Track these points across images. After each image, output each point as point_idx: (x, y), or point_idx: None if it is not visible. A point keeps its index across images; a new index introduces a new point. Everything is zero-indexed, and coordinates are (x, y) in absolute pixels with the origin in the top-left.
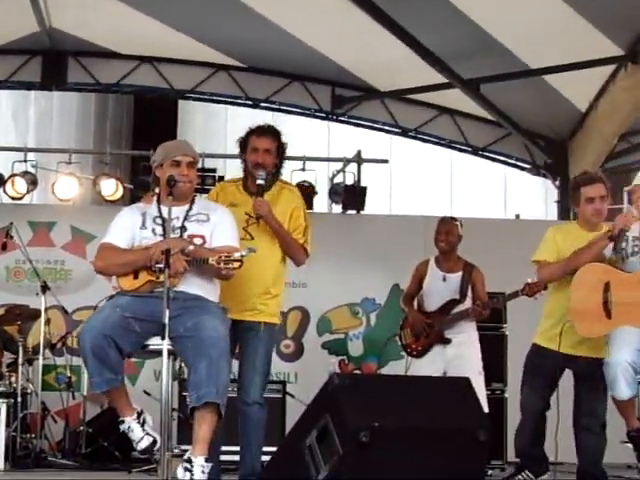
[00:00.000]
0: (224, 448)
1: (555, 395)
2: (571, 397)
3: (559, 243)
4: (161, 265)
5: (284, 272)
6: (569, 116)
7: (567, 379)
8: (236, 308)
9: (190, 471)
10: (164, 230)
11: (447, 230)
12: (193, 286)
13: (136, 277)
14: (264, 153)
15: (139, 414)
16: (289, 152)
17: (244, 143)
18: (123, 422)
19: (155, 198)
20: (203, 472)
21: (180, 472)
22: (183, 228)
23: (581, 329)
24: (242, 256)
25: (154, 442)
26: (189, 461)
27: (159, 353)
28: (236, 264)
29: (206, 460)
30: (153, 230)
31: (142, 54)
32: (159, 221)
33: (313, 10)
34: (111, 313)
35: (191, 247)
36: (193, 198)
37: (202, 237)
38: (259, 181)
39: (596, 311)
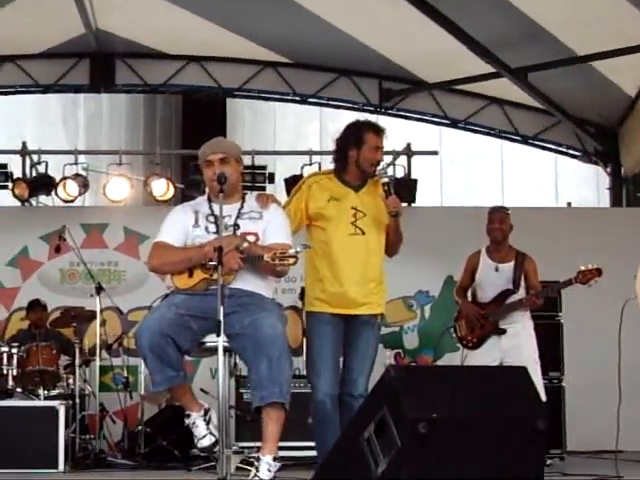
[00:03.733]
0: (291, 444)
1: (617, 375)
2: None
3: None
4: (215, 262)
5: None
6: (618, 102)
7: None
8: (353, 303)
9: (257, 469)
10: (217, 228)
11: (500, 219)
12: (248, 283)
13: (191, 275)
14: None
15: (206, 411)
16: None
17: (357, 137)
18: (189, 416)
19: (205, 197)
20: (269, 470)
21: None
22: (236, 226)
23: None
24: (297, 252)
25: (215, 443)
26: (257, 460)
27: (215, 350)
28: (291, 260)
29: (274, 459)
30: (206, 228)
31: (189, 53)
32: (212, 219)
33: (358, 3)
34: (167, 311)
35: (245, 244)
36: (244, 196)
37: (255, 234)
38: (385, 179)
39: None
